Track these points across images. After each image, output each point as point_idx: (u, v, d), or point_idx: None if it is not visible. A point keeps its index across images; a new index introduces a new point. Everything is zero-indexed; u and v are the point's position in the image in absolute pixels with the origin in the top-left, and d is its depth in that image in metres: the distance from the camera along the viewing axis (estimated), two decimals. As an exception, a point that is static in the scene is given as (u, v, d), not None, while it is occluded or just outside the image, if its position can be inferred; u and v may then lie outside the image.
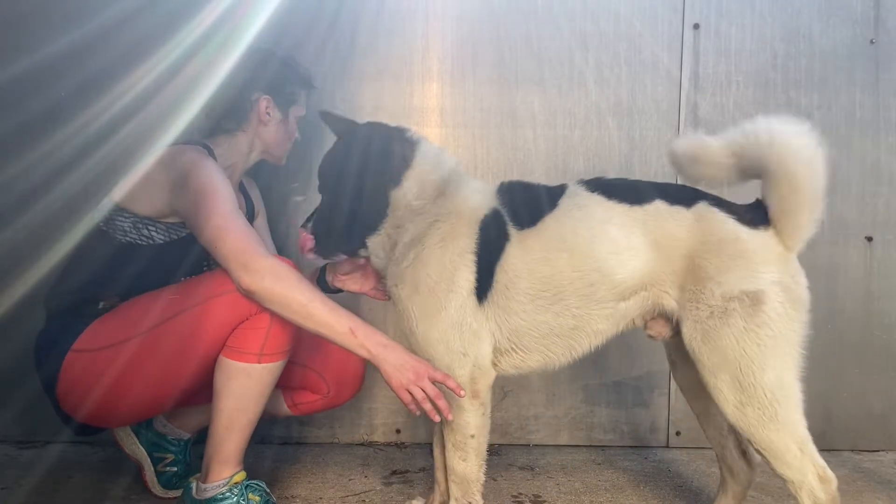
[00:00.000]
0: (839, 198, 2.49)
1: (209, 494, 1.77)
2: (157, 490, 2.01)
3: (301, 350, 1.99)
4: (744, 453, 1.81)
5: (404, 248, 1.70)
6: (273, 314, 1.67)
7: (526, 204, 1.70)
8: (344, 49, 2.43)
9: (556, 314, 1.65)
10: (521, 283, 1.64)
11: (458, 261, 1.64)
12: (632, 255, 1.61)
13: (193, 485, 1.82)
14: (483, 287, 1.64)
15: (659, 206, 1.62)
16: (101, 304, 1.82)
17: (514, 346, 1.69)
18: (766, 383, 1.52)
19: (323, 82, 2.42)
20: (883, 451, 2.53)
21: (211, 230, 1.67)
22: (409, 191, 1.71)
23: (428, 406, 1.58)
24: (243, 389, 1.73)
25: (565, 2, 2.45)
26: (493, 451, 2.43)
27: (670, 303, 1.62)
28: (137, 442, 2.03)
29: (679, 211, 1.61)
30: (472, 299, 1.64)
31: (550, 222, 1.66)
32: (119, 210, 1.83)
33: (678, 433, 2.53)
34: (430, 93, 2.46)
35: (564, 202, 1.67)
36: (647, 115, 2.48)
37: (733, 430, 1.77)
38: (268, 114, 2.01)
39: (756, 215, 1.59)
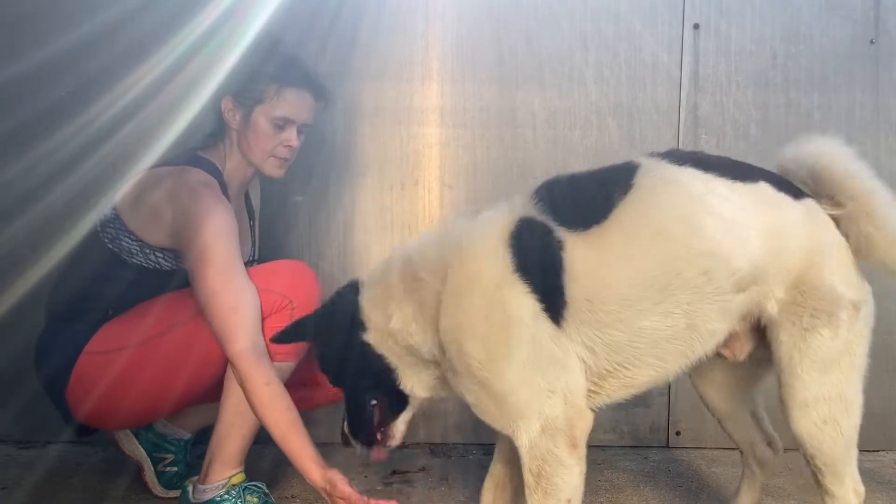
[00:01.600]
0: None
1: (207, 497, 1.77)
2: (158, 490, 2.01)
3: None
4: (769, 443, 1.79)
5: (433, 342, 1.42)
6: (293, 315, 1.71)
7: (577, 200, 1.44)
8: (344, 49, 2.43)
9: (665, 315, 1.37)
10: (607, 291, 1.35)
11: (499, 292, 1.34)
12: (748, 235, 1.39)
13: (190, 487, 1.82)
14: (554, 308, 1.35)
15: (766, 189, 1.44)
16: (109, 311, 1.82)
17: (617, 365, 1.41)
18: (851, 400, 1.48)
19: (323, 82, 2.42)
20: (883, 451, 2.53)
21: (203, 296, 1.67)
22: (385, 325, 1.45)
23: None
24: None
25: (565, 2, 2.44)
26: (493, 450, 2.42)
27: (772, 307, 1.44)
28: (137, 442, 2.03)
29: (788, 200, 1.45)
30: (544, 325, 1.35)
31: (630, 208, 1.38)
32: (126, 231, 1.81)
33: (678, 433, 2.53)
34: (430, 93, 2.46)
35: (643, 181, 1.41)
36: (647, 115, 2.47)
37: (761, 425, 1.76)
38: (231, 116, 1.88)
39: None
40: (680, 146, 2.47)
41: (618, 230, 1.37)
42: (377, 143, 2.46)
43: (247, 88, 1.86)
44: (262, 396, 1.62)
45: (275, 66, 1.87)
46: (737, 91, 2.48)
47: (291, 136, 1.90)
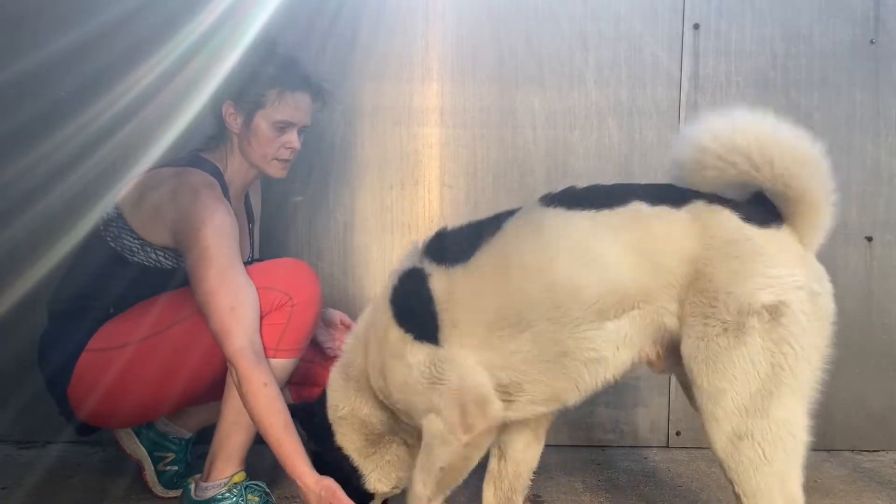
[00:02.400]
0: (839, 198, 2.48)
1: (208, 494, 1.77)
2: (158, 490, 2.01)
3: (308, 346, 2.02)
4: None
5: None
6: (293, 311, 1.72)
7: (454, 244, 1.56)
8: (344, 49, 2.43)
9: (532, 341, 1.46)
10: (472, 317, 1.48)
11: (389, 336, 1.55)
12: (608, 262, 1.40)
13: (192, 485, 1.83)
14: (431, 333, 1.51)
15: (639, 208, 1.41)
16: (110, 310, 1.83)
17: (512, 381, 1.51)
18: (776, 415, 1.32)
19: (323, 82, 2.42)
20: (883, 451, 2.53)
21: (202, 295, 1.68)
22: (340, 417, 1.66)
23: None
24: None
25: (565, 2, 2.44)
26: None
27: (671, 322, 1.41)
28: (138, 441, 2.03)
29: (666, 211, 1.40)
30: (421, 352, 1.51)
31: (493, 248, 1.50)
32: (128, 230, 1.82)
33: (678, 433, 2.53)
34: (430, 93, 2.46)
35: (511, 224, 1.51)
36: (647, 115, 2.47)
37: None
38: (232, 120, 1.89)
39: (763, 211, 1.39)
40: (680, 146, 2.47)
41: (480, 267, 1.49)
42: (377, 143, 2.46)
43: (247, 92, 1.86)
44: (259, 397, 1.62)
45: (274, 68, 1.87)
46: (737, 91, 2.47)
47: (293, 137, 1.91)
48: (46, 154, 2.23)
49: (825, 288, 1.38)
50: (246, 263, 2.00)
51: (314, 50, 2.39)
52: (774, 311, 1.32)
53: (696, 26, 2.46)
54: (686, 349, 1.40)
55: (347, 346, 1.70)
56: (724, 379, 1.34)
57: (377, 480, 1.69)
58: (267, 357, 1.72)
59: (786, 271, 1.34)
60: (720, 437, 1.36)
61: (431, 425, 1.53)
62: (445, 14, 2.44)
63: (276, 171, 1.94)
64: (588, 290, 1.41)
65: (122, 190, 1.86)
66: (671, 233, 1.39)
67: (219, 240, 1.70)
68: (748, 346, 1.32)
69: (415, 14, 2.43)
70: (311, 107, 1.95)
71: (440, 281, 1.52)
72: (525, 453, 1.75)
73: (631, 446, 2.53)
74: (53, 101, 2.29)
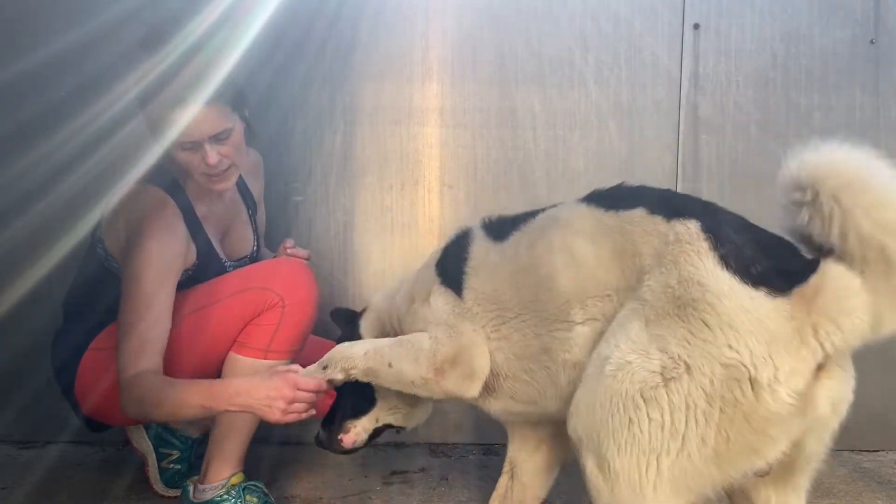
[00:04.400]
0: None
1: (207, 496, 1.77)
2: (159, 487, 2.01)
3: (317, 352, 2.03)
4: None
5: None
6: (284, 312, 1.74)
7: (506, 224, 1.62)
8: (344, 49, 2.43)
9: (518, 330, 1.51)
10: (483, 286, 1.57)
11: (427, 282, 1.66)
12: (577, 266, 1.41)
13: (191, 487, 1.83)
14: (458, 288, 1.61)
15: (636, 214, 1.36)
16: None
17: (499, 365, 1.55)
18: None
19: (323, 82, 2.43)
20: (883, 451, 2.53)
21: (122, 319, 1.69)
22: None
23: (312, 411, 1.59)
24: None
25: (565, 2, 2.44)
26: (493, 451, 2.43)
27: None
28: (145, 435, 2.04)
29: (655, 222, 1.34)
30: (446, 299, 1.61)
31: (518, 234, 1.57)
32: (102, 243, 1.85)
33: (678, 433, 2.53)
34: (430, 93, 2.46)
35: (544, 213, 1.57)
36: (647, 115, 2.47)
37: None
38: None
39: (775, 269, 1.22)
40: (680, 146, 2.47)
41: (505, 249, 1.57)
42: (377, 143, 2.46)
43: (147, 117, 1.74)
44: (158, 404, 1.62)
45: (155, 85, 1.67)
46: (737, 91, 2.47)
47: (205, 152, 1.71)
48: (46, 154, 2.22)
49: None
50: (246, 257, 2.01)
51: (314, 50, 2.39)
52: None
53: (696, 26, 2.46)
54: None
55: (385, 290, 1.83)
56: None
57: (387, 410, 1.76)
58: (258, 358, 1.74)
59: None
60: None
61: (420, 338, 1.58)
62: (445, 14, 2.44)
63: (208, 185, 1.79)
64: (559, 291, 1.43)
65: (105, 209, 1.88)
66: (643, 244, 1.32)
67: (146, 271, 1.69)
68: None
69: (415, 14, 2.43)
70: (213, 113, 1.70)
71: (479, 248, 1.62)
72: (534, 479, 1.78)
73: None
74: (53, 101, 2.29)
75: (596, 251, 1.40)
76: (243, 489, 1.78)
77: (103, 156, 2.14)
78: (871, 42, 2.48)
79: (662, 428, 1.19)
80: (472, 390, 1.55)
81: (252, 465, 1.86)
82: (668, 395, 1.19)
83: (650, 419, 1.20)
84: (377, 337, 1.75)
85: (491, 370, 1.56)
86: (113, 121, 2.18)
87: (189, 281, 1.82)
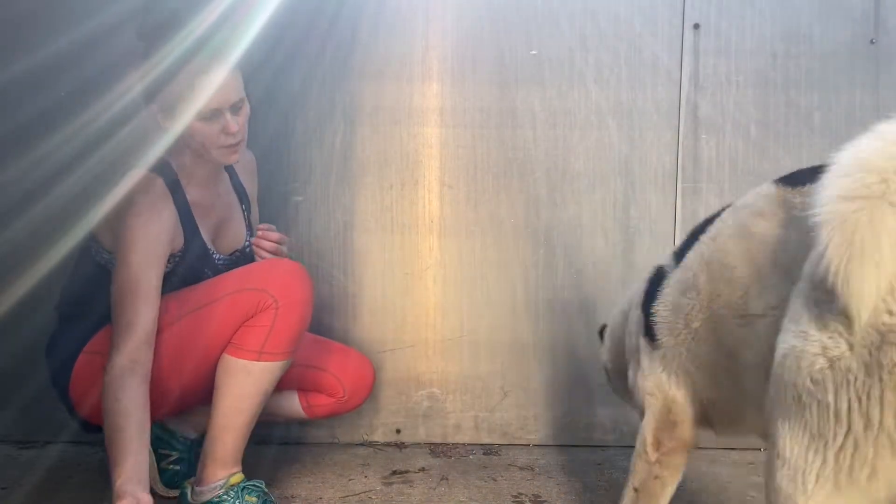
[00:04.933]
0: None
1: (206, 498, 1.77)
2: (159, 487, 2.01)
3: (321, 353, 2.03)
4: None
5: None
6: (277, 314, 1.72)
7: (687, 242, 1.51)
8: (344, 49, 2.43)
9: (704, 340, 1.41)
10: (668, 315, 1.45)
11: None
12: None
13: (189, 488, 1.83)
14: (650, 329, 1.54)
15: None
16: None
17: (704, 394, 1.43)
18: None
19: (323, 82, 2.43)
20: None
21: (112, 300, 1.69)
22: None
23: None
24: (241, 387, 1.75)
25: (565, 2, 2.44)
26: (493, 451, 2.43)
27: None
28: None
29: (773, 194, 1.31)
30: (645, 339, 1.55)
31: (696, 245, 1.45)
32: (96, 241, 1.84)
33: (678, 433, 2.53)
34: (430, 93, 2.46)
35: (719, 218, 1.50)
36: (647, 115, 2.47)
37: None
38: (163, 121, 1.82)
39: None
40: (680, 146, 2.47)
41: (684, 263, 1.47)
42: (377, 142, 2.46)
43: (160, 89, 1.75)
44: (107, 410, 1.59)
45: (176, 51, 1.72)
46: (737, 91, 2.47)
47: (226, 121, 1.75)
48: (46, 154, 2.22)
49: None
50: (240, 251, 2.00)
51: (314, 50, 2.39)
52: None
53: (696, 26, 2.46)
54: None
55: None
56: None
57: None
58: (252, 360, 1.74)
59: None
60: None
61: (637, 437, 1.50)
62: (445, 14, 2.44)
63: (224, 158, 1.82)
64: (740, 281, 1.28)
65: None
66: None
67: (131, 254, 1.69)
68: None
69: (415, 14, 2.43)
70: (233, 81, 1.77)
71: (671, 277, 1.47)
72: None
73: (631, 446, 2.51)
74: (53, 101, 2.29)
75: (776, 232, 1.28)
76: (242, 489, 1.78)
77: (103, 156, 2.14)
78: (871, 42, 2.48)
79: (828, 410, 1.08)
80: (684, 429, 1.45)
81: (252, 465, 1.86)
82: (832, 375, 1.13)
83: (818, 402, 1.08)
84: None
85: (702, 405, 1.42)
86: (113, 121, 2.18)
87: (176, 270, 1.81)
